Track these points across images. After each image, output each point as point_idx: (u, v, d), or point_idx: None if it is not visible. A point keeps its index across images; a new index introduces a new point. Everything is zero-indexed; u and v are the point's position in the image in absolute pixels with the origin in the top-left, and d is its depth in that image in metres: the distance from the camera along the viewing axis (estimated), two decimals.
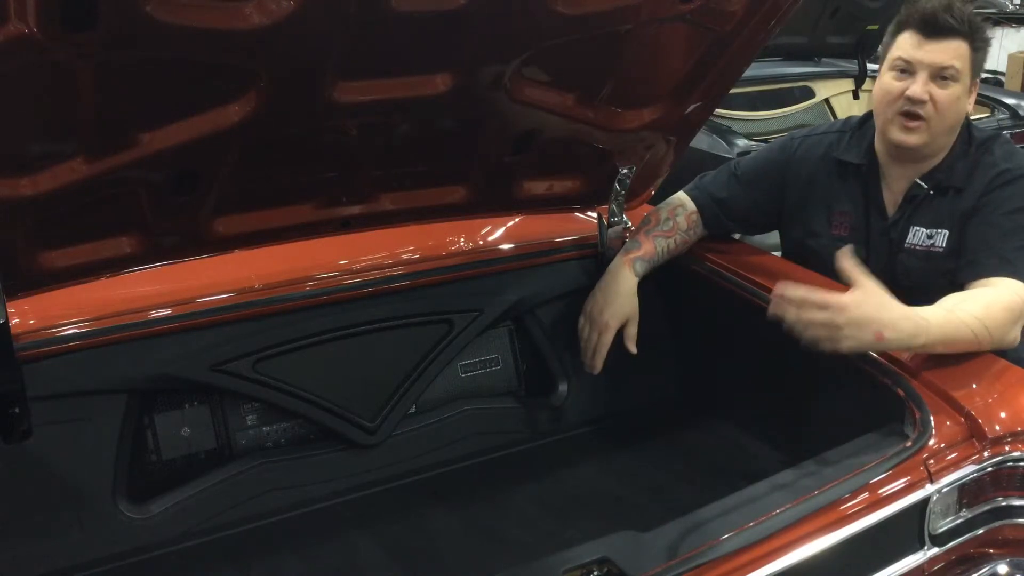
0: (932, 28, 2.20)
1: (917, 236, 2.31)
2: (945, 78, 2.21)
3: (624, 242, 2.51)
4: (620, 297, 2.35)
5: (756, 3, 1.93)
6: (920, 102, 2.21)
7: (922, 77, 2.21)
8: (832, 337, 1.86)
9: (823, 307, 1.86)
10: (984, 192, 2.24)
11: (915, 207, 2.33)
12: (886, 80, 2.27)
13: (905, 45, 2.24)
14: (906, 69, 2.23)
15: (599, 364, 2.36)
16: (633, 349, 2.36)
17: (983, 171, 2.26)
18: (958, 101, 2.24)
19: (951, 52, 2.20)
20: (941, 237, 2.28)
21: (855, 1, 5.05)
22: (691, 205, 2.50)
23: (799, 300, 1.88)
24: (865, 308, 1.87)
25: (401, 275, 2.31)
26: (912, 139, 2.25)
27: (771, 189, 2.49)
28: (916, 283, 2.23)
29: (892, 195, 2.37)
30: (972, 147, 2.31)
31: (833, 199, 2.42)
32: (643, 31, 1.92)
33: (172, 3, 1.41)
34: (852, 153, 2.40)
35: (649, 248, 2.41)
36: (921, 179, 2.31)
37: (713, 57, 2.06)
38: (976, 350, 1.96)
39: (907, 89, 2.22)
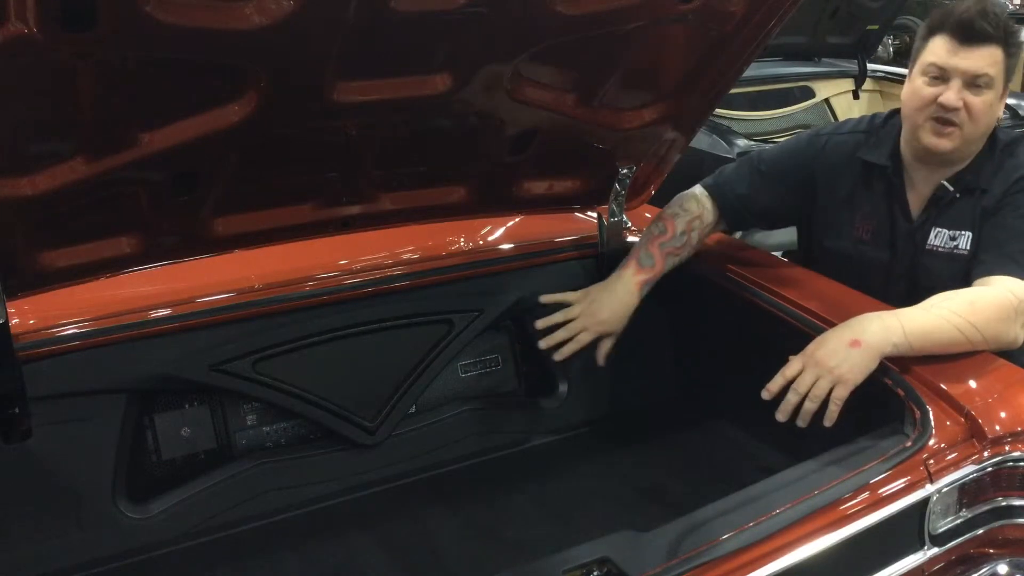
0: (968, 34, 2.16)
1: (939, 238, 2.30)
2: (979, 86, 2.18)
3: (625, 237, 2.50)
4: (618, 312, 2.31)
5: (756, 3, 1.93)
6: (954, 109, 2.18)
7: (956, 84, 2.18)
8: (830, 377, 1.90)
9: (798, 369, 1.93)
10: (1005, 194, 2.23)
11: (939, 209, 2.31)
12: (918, 85, 2.24)
13: (939, 50, 2.20)
14: (939, 76, 2.20)
15: (565, 355, 2.30)
16: (600, 361, 2.33)
17: (1007, 173, 2.25)
18: (991, 108, 2.21)
19: (986, 59, 2.17)
20: (964, 239, 2.27)
21: (855, 1, 5.06)
22: (710, 216, 2.43)
23: (780, 386, 1.95)
24: (824, 335, 1.96)
25: (401, 275, 2.31)
26: (944, 144, 2.23)
27: (794, 186, 2.46)
28: (938, 285, 2.19)
29: (918, 197, 2.34)
30: (997, 149, 2.29)
31: (858, 201, 2.39)
32: (643, 31, 1.92)
33: (172, 3, 1.40)
34: (876, 153, 2.37)
35: (660, 268, 2.36)
36: (947, 181, 2.29)
37: (713, 57, 2.06)
38: (971, 349, 1.96)
39: (940, 95, 2.19)
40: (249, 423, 2.20)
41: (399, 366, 2.31)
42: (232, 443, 2.18)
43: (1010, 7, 9.14)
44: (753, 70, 2.50)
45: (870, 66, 5.42)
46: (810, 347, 1.96)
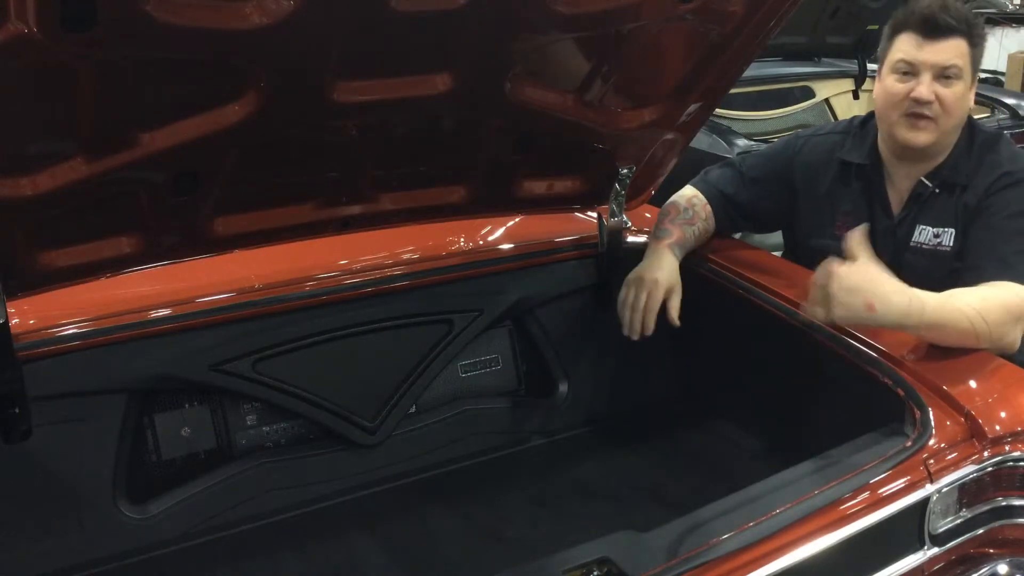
0: (932, 28, 2.21)
1: (923, 235, 2.32)
2: (949, 77, 2.22)
3: (625, 237, 2.51)
4: (665, 268, 2.34)
5: (756, 3, 1.93)
6: (927, 103, 2.21)
7: (926, 78, 2.22)
8: (825, 302, 1.88)
9: (821, 275, 1.89)
10: (987, 193, 2.24)
11: (921, 205, 2.33)
12: (888, 83, 2.27)
13: (905, 47, 2.24)
14: (909, 71, 2.24)
15: (651, 324, 2.32)
16: (677, 321, 2.33)
17: (988, 169, 2.27)
18: (963, 98, 2.25)
19: (952, 51, 2.21)
20: (948, 236, 2.29)
21: (855, 1, 5.06)
22: (702, 198, 2.51)
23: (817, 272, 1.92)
24: (857, 277, 1.89)
25: (401, 275, 2.31)
26: (921, 137, 2.25)
27: (776, 188, 2.50)
28: (922, 282, 2.20)
29: (897, 194, 2.37)
30: (975, 144, 2.32)
31: (837, 200, 2.42)
32: (643, 31, 1.92)
33: (172, 3, 1.40)
34: (855, 153, 2.40)
35: (679, 235, 2.41)
36: (926, 177, 2.32)
37: (713, 57, 2.06)
38: (973, 345, 1.96)
39: (912, 91, 2.22)
40: (249, 423, 2.20)
41: (399, 366, 2.32)
42: (232, 443, 2.18)
43: (1010, 7, 9.14)
44: (753, 70, 2.52)
45: (870, 66, 5.41)
46: (841, 268, 1.87)
